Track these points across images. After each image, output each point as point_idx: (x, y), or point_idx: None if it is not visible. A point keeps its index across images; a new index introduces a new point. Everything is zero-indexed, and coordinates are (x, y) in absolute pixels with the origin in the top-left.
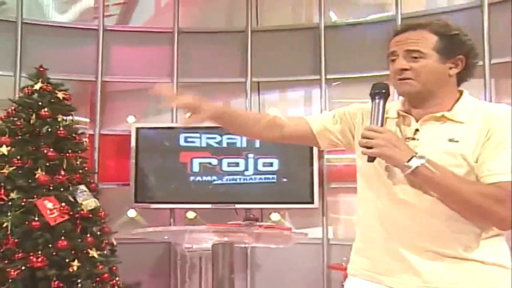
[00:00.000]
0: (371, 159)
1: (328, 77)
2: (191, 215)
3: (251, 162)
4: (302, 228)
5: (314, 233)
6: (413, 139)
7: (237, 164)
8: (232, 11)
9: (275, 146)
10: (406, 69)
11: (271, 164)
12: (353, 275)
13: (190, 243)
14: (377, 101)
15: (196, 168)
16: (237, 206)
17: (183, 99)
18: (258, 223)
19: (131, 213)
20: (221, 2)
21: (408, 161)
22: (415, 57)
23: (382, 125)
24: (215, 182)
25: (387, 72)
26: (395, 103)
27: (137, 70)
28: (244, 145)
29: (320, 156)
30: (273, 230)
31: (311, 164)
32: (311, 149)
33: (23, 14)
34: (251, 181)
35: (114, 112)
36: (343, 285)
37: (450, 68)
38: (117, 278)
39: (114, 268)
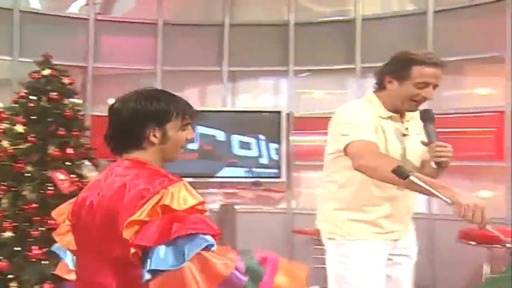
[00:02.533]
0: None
1: (295, 68)
2: None
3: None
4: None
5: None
6: (406, 135)
7: None
8: (210, 5)
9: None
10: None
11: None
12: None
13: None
14: (431, 125)
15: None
16: (219, 180)
17: None
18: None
19: None
20: None
21: None
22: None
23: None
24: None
25: (347, 66)
26: (372, 103)
27: (123, 57)
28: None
29: (287, 137)
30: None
31: (279, 144)
32: (279, 131)
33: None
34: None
35: (97, 95)
36: (306, 247)
37: None
38: None
39: None
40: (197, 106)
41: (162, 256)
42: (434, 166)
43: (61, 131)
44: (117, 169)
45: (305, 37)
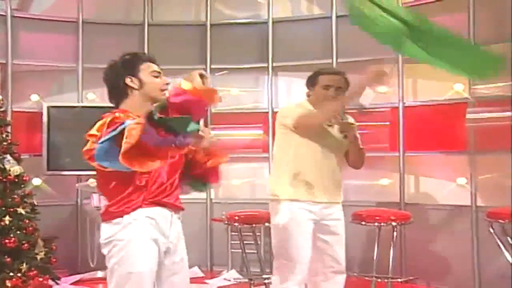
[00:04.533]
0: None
1: (212, 67)
2: (93, 183)
3: None
4: None
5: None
6: (330, 125)
7: None
8: (130, 5)
9: None
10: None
11: None
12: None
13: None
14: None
15: None
16: None
17: None
18: None
19: (36, 181)
20: None
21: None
22: (340, 90)
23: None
24: None
25: (260, 65)
26: (303, 103)
27: (44, 54)
28: None
29: None
30: None
31: None
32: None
33: None
34: None
35: (18, 91)
36: (224, 233)
37: None
38: (38, 232)
39: (35, 224)
40: None
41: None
42: (343, 137)
43: None
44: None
45: (222, 38)
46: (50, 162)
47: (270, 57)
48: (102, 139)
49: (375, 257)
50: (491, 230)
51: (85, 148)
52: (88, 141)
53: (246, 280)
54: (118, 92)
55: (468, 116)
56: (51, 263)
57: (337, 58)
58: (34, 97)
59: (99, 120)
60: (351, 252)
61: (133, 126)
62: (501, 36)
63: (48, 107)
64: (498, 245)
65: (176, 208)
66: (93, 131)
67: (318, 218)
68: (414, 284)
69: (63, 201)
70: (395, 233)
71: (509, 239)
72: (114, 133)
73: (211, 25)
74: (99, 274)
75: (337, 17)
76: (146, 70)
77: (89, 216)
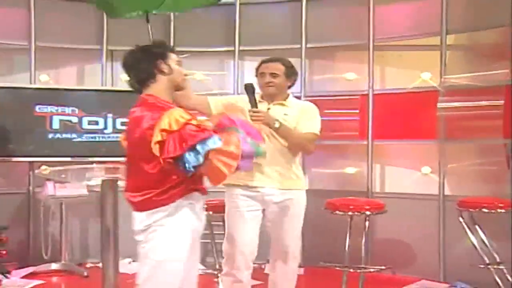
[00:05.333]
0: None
1: (176, 49)
2: (46, 171)
3: (109, 121)
4: None
5: None
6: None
7: (96, 123)
8: None
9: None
10: (270, 82)
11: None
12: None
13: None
14: (251, 95)
15: (56, 126)
16: (96, 159)
17: None
18: None
19: None
20: None
21: (274, 124)
22: (275, 76)
23: (257, 107)
24: (75, 140)
25: (227, 48)
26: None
27: None
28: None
29: None
30: None
31: None
32: None
33: None
34: (109, 139)
35: None
36: None
37: (288, 83)
38: None
39: None
40: (74, 85)
41: (191, 159)
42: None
43: None
44: (138, 104)
45: (186, 19)
46: None
47: (236, 40)
48: (202, 151)
49: (347, 247)
50: (461, 219)
51: (157, 139)
52: (156, 132)
53: (210, 271)
54: (147, 76)
55: (439, 105)
56: (1, 255)
57: (306, 43)
58: None
59: (136, 107)
60: (313, 242)
61: (237, 148)
62: (473, 24)
63: None
64: (467, 234)
65: (206, 193)
66: (164, 125)
67: (262, 205)
68: (382, 273)
69: (13, 190)
70: (367, 223)
71: (477, 227)
72: (211, 147)
73: None
74: (53, 266)
75: (307, 0)
76: (173, 58)
77: (42, 205)
